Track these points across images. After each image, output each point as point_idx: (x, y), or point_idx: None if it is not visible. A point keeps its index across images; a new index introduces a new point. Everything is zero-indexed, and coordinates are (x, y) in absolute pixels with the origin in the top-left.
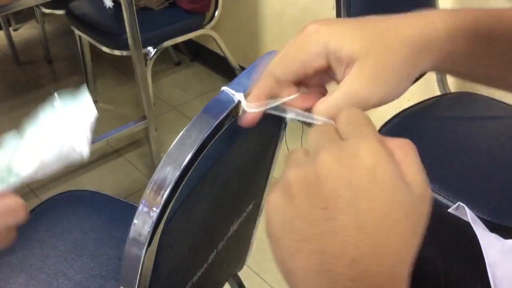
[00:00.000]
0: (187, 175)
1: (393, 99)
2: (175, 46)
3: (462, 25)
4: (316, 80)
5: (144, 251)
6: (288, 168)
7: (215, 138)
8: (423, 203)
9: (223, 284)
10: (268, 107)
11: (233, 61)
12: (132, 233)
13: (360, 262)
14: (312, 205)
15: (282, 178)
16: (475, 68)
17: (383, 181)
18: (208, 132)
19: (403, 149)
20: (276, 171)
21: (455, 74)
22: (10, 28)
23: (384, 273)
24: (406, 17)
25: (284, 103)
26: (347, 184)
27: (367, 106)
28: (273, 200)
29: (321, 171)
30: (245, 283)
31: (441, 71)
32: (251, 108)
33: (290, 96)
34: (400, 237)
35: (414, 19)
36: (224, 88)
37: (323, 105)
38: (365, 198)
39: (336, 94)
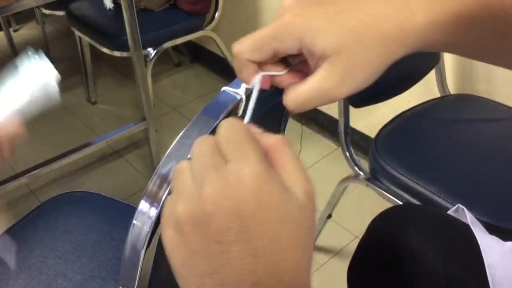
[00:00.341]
0: None
1: (362, 89)
2: (175, 47)
3: (443, 17)
4: (296, 59)
5: (143, 251)
6: (176, 198)
7: None
8: (308, 201)
9: None
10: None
11: (233, 62)
12: (131, 233)
13: (261, 284)
14: (205, 241)
15: (171, 211)
16: (452, 51)
17: (269, 203)
18: (208, 133)
19: (278, 150)
20: None
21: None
22: (10, 29)
23: (277, 282)
24: (387, 5)
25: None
26: (235, 215)
27: (335, 99)
28: (168, 238)
29: (208, 207)
30: None
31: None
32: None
33: (280, 72)
34: (296, 248)
35: (395, 10)
36: (224, 88)
37: (293, 96)
38: (254, 224)
39: (305, 88)
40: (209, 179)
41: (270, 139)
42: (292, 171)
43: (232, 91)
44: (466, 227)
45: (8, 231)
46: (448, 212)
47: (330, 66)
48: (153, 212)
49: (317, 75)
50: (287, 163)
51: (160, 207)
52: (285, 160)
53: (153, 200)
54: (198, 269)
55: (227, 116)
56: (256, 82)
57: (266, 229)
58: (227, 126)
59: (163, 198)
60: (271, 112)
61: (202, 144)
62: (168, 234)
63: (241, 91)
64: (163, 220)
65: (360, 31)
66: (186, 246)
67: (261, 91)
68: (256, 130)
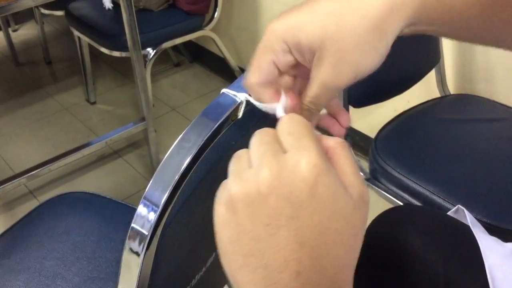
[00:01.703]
0: (186, 179)
1: (373, 68)
2: (175, 47)
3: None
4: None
5: (142, 254)
6: (232, 179)
7: (215, 141)
8: (362, 204)
9: (222, 286)
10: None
11: (232, 62)
12: (130, 236)
13: (304, 274)
14: (255, 222)
15: (226, 190)
16: (448, 29)
17: (324, 194)
18: (207, 136)
19: (337, 152)
20: None
21: (438, 34)
22: (10, 29)
23: (327, 281)
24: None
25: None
26: (288, 200)
27: (342, 87)
28: (220, 215)
29: (263, 189)
30: None
31: (421, 32)
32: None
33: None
34: (342, 245)
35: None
36: (224, 90)
37: (308, 100)
38: (306, 213)
39: (311, 89)
40: (268, 164)
41: (331, 141)
42: (350, 173)
43: (232, 93)
44: (466, 228)
45: (7, 232)
46: (448, 213)
47: (319, 59)
48: (152, 216)
49: (313, 72)
50: (345, 165)
51: (159, 210)
52: (343, 162)
53: (152, 203)
54: (244, 249)
55: (227, 118)
56: (283, 105)
57: (316, 220)
58: (289, 118)
59: (162, 202)
60: (270, 115)
61: (262, 133)
62: (220, 212)
63: (240, 94)
64: (217, 199)
65: (339, 12)
66: (236, 224)
67: None
68: (316, 132)
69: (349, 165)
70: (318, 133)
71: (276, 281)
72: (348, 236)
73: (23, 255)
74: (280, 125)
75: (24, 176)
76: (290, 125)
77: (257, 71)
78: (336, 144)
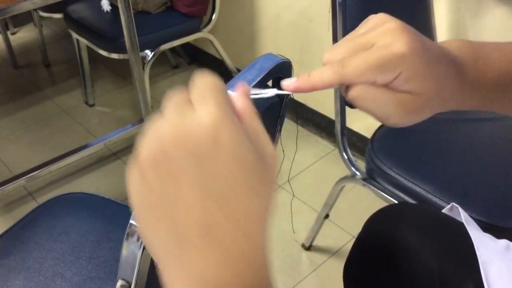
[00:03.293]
0: None
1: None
2: (173, 49)
3: (486, 85)
4: None
5: (141, 250)
6: (139, 144)
7: None
8: (268, 158)
9: None
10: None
11: (230, 64)
12: (129, 233)
13: (212, 225)
14: (161, 181)
15: (135, 156)
16: (483, 109)
17: (226, 143)
18: None
19: (246, 112)
20: None
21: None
22: (8, 32)
23: (238, 232)
24: (453, 66)
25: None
26: (191, 154)
27: (381, 119)
28: (131, 177)
29: (165, 147)
30: None
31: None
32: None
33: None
34: (251, 192)
35: (457, 74)
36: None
37: (363, 92)
38: (209, 162)
39: (377, 96)
40: (171, 122)
41: (239, 103)
42: (257, 132)
43: (229, 93)
44: (461, 226)
45: (6, 233)
46: (443, 210)
47: (410, 100)
48: None
49: (395, 98)
50: (253, 124)
51: None
52: (251, 121)
53: None
54: (156, 212)
55: None
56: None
57: (221, 170)
58: (201, 79)
59: None
60: (267, 113)
61: (174, 95)
62: (131, 173)
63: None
64: (127, 167)
65: (438, 87)
66: (144, 185)
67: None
68: (232, 93)
69: (256, 124)
70: (234, 94)
71: (185, 235)
72: (257, 184)
73: (23, 255)
74: (193, 85)
75: (23, 177)
76: (200, 84)
77: (357, 77)
78: (244, 105)
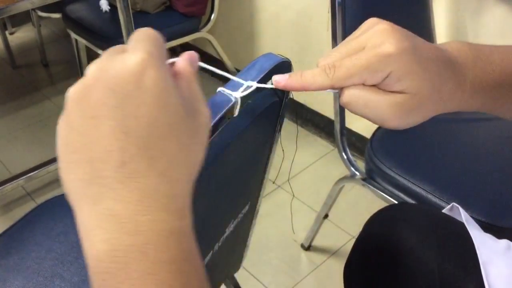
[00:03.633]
0: None
1: (396, 129)
2: (171, 50)
3: (487, 85)
4: None
5: None
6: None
7: (211, 139)
8: (199, 115)
9: (219, 286)
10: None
11: (229, 64)
12: None
13: (129, 164)
14: (82, 116)
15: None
16: (487, 110)
17: (152, 87)
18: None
19: (184, 73)
20: (271, 173)
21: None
22: (6, 32)
23: (155, 173)
24: (452, 70)
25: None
26: (112, 90)
27: (380, 122)
28: (60, 121)
29: (88, 81)
30: (241, 284)
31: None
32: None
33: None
34: (175, 140)
35: (457, 77)
36: (220, 89)
37: (356, 94)
38: (132, 104)
39: (371, 97)
40: (99, 64)
41: (180, 63)
42: (191, 90)
43: (227, 92)
44: (461, 225)
45: (5, 233)
46: (443, 210)
47: (403, 100)
48: None
49: (389, 99)
50: (189, 83)
51: None
52: (188, 81)
53: None
54: (72, 146)
55: (223, 116)
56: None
57: (143, 111)
58: (138, 30)
59: None
60: (266, 113)
61: (114, 46)
62: (61, 117)
63: (236, 93)
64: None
65: (434, 85)
66: (67, 123)
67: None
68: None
69: (195, 90)
70: (174, 59)
71: (99, 174)
72: (182, 133)
73: (22, 255)
74: (131, 36)
75: (22, 178)
76: (136, 34)
77: (346, 79)
78: (187, 73)
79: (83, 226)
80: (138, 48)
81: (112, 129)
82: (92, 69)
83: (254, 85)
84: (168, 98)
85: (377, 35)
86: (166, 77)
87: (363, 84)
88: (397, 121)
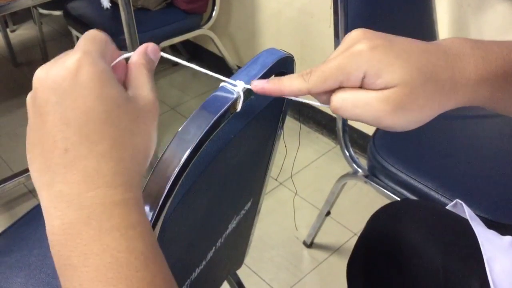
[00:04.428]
0: (186, 171)
1: (401, 130)
2: (173, 47)
3: (491, 73)
4: None
5: None
6: None
7: (214, 134)
8: (150, 105)
9: (222, 282)
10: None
11: (231, 61)
12: None
13: (71, 150)
14: (34, 115)
15: None
16: (499, 107)
17: (87, 81)
18: (207, 128)
19: (134, 67)
20: (273, 170)
21: (482, 107)
22: (8, 29)
23: (96, 154)
24: (444, 57)
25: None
26: (53, 89)
27: (376, 123)
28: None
29: (35, 84)
30: (243, 281)
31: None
32: (256, 84)
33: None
34: (113, 124)
35: (450, 64)
36: (223, 83)
37: (344, 98)
38: (69, 98)
39: (361, 97)
40: (44, 68)
41: (133, 57)
42: (138, 79)
43: (230, 87)
44: (465, 222)
45: (7, 230)
46: (447, 207)
47: (391, 93)
48: (153, 207)
49: (376, 95)
50: (137, 73)
51: (159, 203)
52: (135, 73)
53: (152, 195)
54: (31, 143)
55: (226, 111)
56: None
57: (80, 103)
58: (86, 33)
59: (162, 195)
60: (269, 109)
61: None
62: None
63: (239, 87)
64: None
65: (425, 74)
66: (28, 125)
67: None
68: (117, 51)
69: (140, 78)
70: (127, 54)
71: (50, 162)
72: (121, 118)
73: (24, 252)
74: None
75: (24, 175)
76: (81, 38)
77: (324, 87)
78: (135, 63)
79: (44, 209)
80: (76, 49)
81: (55, 122)
82: (37, 75)
83: (240, 85)
84: (103, 88)
85: (349, 40)
86: (101, 70)
87: (350, 88)
88: (393, 117)
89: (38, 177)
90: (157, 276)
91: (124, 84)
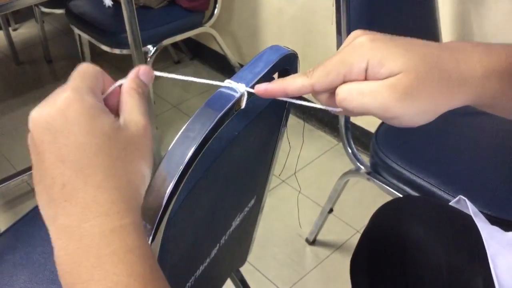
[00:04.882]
0: (190, 169)
1: (408, 125)
2: (175, 45)
3: (497, 66)
4: None
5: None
6: None
7: (218, 131)
8: (143, 130)
9: (225, 279)
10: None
11: (233, 59)
12: None
13: (68, 184)
14: (34, 154)
15: None
16: (505, 103)
17: (76, 117)
18: (211, 126)
19: (125, 94)
20: (276, 167)
21: (492, 109)
22: (10, 28)
23: (92, 187)
24: (446, 50)
25: None
26: (46, 129)
27: (384, 113)
28: None
29: (30, 126)
30: (246, 279)
31: (478, 107)
32: (259, 87)
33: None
34: (105, 155)
35: (454, 56)
36: (227, 81)
37: (350, 91)
38: (62, 135)
39: (366, 88)
40: (38, 109)
41: (124, 86)
42: (129, 105)
43: (235, 84)
44: (468, 218)
45: (11, 228)
46: (450, 203)
47: (397, 80)
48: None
49: (383, 83)
50: (127, 103)
51: (164, 200)
52: (126, 101)
53: (157, 193)
54: (35, 179)
55: (231, 108)
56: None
57: (72, 140)
58: (80, 67)
59: (167, 192)
60: (272, 106)
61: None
62: None
63: (242, 86)
64: None
65: (429, 62)
66: (32, 163)
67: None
68: (110, 81)
69: (130, 103)
70: (120, 82)
71: (51, 197)
72: (113, 148)
73: (28, 250)
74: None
75: (26, 173)
76: (73, 73)
77: (327, 83)
78: (126, 89)
79: (52, 241)
80: (66, 87)
81: (52, 160)
82: (31, 116)
83: (242, 89)
84: (92, 123)
85: (350, 37)
86: (89, 106)
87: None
88: (401, 105)
89: (44, 212)
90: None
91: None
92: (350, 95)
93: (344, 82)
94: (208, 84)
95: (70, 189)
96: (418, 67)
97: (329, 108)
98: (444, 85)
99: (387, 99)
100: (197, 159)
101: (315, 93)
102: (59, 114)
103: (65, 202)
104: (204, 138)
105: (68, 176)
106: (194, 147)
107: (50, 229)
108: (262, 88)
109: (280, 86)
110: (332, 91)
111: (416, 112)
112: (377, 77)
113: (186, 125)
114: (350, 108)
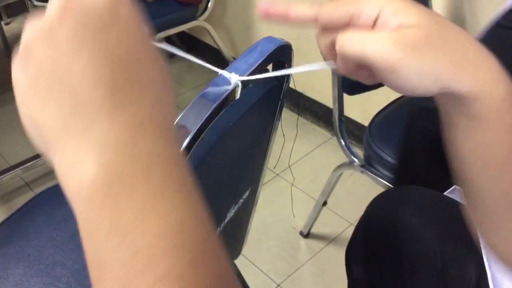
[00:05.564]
0: (185, 159)
1: (405, 87)
2: (168, 39)
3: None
4: None
5: None
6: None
7: (213, 121)
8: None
9: None
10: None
11: (227, 53)
12: None
13: (119, 92)
14: (53, 54)
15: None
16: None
17: (127, 18)
18: (206, 116)
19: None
20: (270, 161)
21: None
22: (2, 22)
23: (148, 102)
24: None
25: None
26: (88, 25)
27: (384, 65)
28: (14, 71)
29: (54, 20)
30: (241, 271)
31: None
32: None
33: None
34: (155, 67)
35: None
36: (221, 72)
37: (349, 35)
38: (110, 36)
39: (369, 37)
40: None
41: None
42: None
43: (229, 75)
44: (463, 207)
45: (5, 222)
46: (445, 193)
47: (406, 32)
48: None
49: (390, 32)
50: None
51: None
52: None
53: None
54: (45, 85)
55: (225, 99)
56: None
57: (124, 42)
58: None
59: None
60: (267, 98)
61: None
62: (14, 67)
63: (236, 77)
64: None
65: (446, 27)
66: (33, 66)
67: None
68: None
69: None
70: None
71: (85, 105)
72: (157, 61)
73: (22, 243)
74: None
75: (20, 168)
76: None
77: (334, 13)
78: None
79: (66, 165)
80: None
81: (95, 62)
82: (54, 7)
83: (235, 78)
84: (141, 28)
85: None
86: (136, 8)
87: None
88: (404, 59)
89: (59, 127)
90: (221, 248)
91: None
92: (352, 40)
93: (348, 27)
94: (205, 68)
95: (121, 97)
96: (432, 27)
97: (321, 66)
98: (456, 58)
99: (391, 47)
100: (192, 149)
101: (317, 27)
102: (106, 10)
103: (113, 112)
104: (198, 128)
105: (119, 83)
106: (188, 137)
107: (70, 146)
108: (264, 8)
109: (284, 8)
110: (333, 41)
111: (417, 70)
112: (385, 28)
113: (181, 115)
114: (349, 53)
